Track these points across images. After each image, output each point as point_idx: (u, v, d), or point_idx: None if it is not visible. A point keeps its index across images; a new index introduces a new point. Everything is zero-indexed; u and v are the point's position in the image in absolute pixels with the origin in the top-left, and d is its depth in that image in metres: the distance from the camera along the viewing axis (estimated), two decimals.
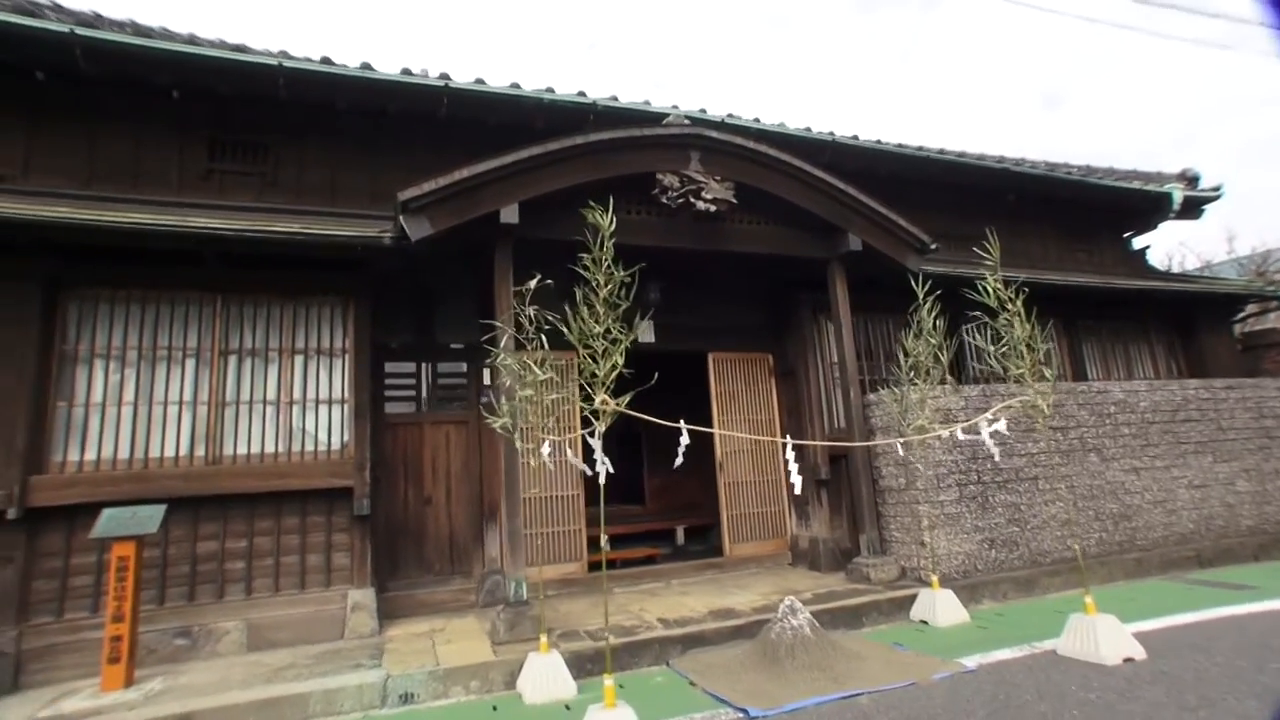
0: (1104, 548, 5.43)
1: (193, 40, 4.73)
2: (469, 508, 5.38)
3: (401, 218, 4.30)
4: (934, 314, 4.82)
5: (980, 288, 4.04)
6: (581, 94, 5.63)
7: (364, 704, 3.56)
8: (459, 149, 5.75)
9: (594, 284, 3.26)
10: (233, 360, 4.69)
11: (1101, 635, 3.46)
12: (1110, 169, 8.79)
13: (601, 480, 3.42)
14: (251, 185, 5.29)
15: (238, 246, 4.31)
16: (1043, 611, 4.53)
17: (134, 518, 3.90)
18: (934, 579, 4.60)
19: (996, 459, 4.61)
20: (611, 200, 3.43)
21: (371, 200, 5.50)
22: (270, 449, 4.65)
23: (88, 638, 4.06)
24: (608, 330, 3.18)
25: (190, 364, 4.60)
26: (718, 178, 5.14)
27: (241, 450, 4.59)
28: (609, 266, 3.26)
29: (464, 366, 5.56)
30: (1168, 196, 8.00)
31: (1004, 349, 3.87)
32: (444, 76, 5.25)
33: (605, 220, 3.29)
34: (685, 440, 3.89)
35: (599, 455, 3.33)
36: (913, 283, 4.89)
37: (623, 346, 3.18)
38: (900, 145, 7.34)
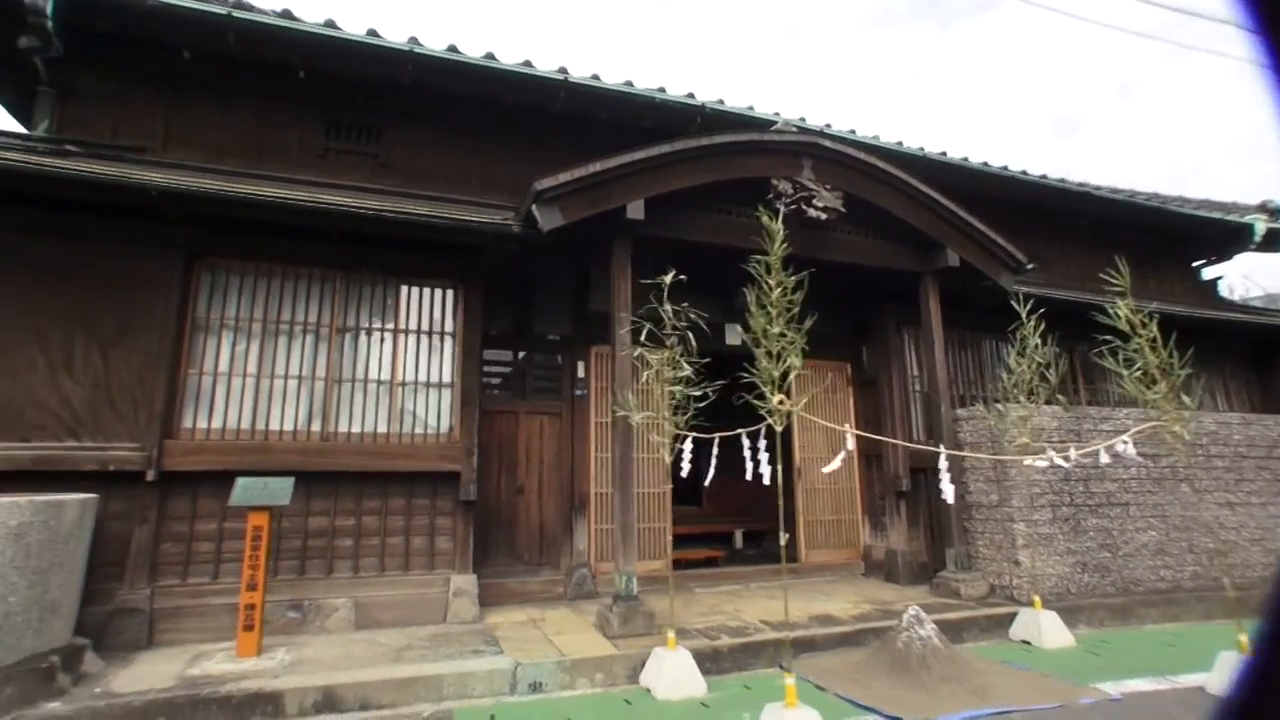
0: (1199, 583, 5.45)
1: (330, 24, 4.83)
2: (559, 499, 5.46)
3: (534, 206, 4.39)
4: (1037, 332, 4.87)
5: (1108, 311, 4.09)
6: (690, 95, 5.72)
7: (494, 690, 3.64)
8: (565, 144, 5.86)
9: (765, 287, 3.34)
10: (348, 338, 4.79)
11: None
12: (1181, 198, 8.82)
13: (765, 480, 3.50)
14: (364, 166, 5.40)
15: (369, 225, 4.41)
16: (1149, 643, 4.57)
17: (265, 489, 4.00)
18: (1036, 599, 4.64)
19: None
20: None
21: (480, 187, 5.61)
22: (381, 429, 4.75)
23: (210, 603, 4.18)
24: (782, 332, 3.25)
25: (309, 339, 4.71)
26: (828, 186, 5.21)
27: (355, 429, 4.69)
28: (779, 271, 3.34)
29: (558, 359, 5.65)
30: (1249, 228, 8.04)
31: (1136, 372, 3.92)
32: (562, 70, 5.34)
33: (776, 226, 3.37)
34: (850, 445, 3.96)
35: (763, 456, 3.40)
36: (1013, 302, 4.94)
37: (798, 347, 3.25)
38: (985, 164, 7.40)
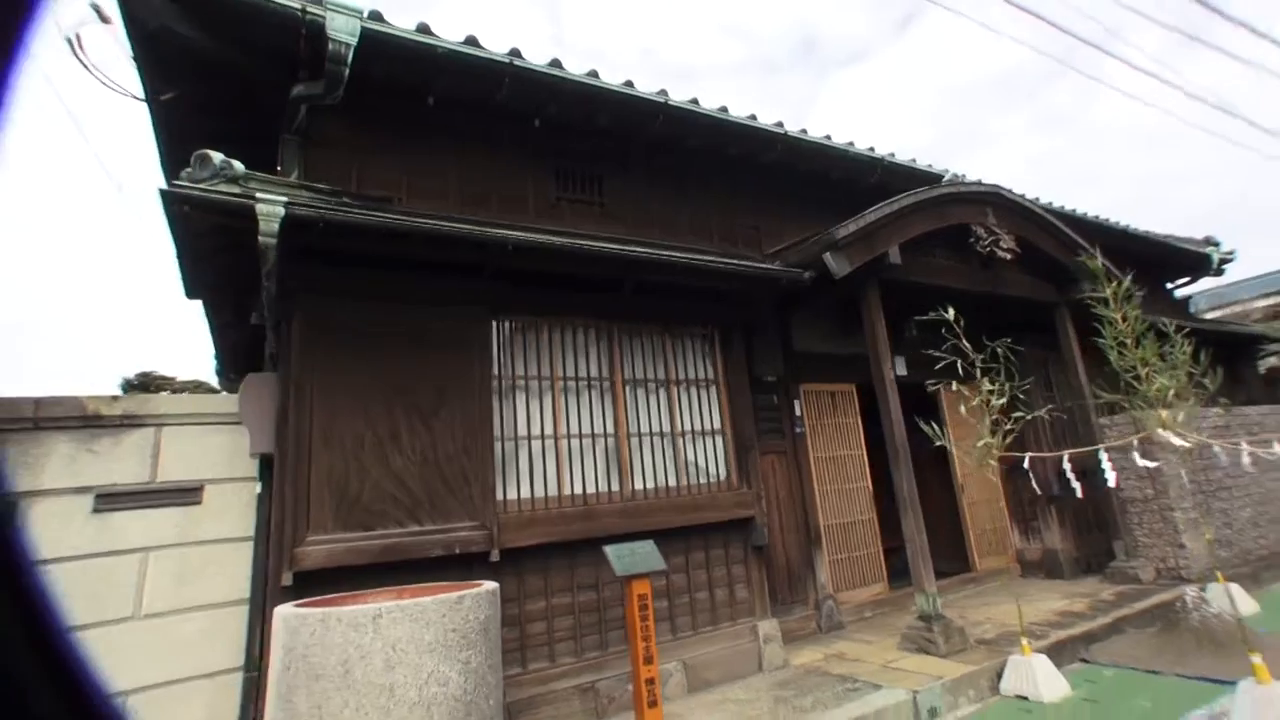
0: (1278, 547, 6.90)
1: (593, 74, 4.91)
2: (798, 535, 5.73)
3: (829, 254, 4.77)
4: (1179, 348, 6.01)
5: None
6: (871, 149, 6.39)
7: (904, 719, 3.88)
8: (765, 192, 6.30)
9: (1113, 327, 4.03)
10: (628, 390, 4.81)
11: None
12: (1149, 232, 10.96)
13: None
14: (592, 214, 5.42)
15: (678, 274, 4.54)
16: None
17: (635, 555, 3.95)
18: (1219, 574, 5.67)
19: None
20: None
21: (690, 235, 5.82)
22: (671, 482, 4.79)
23: (556, 689, 4.01)
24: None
25: (595, 394, 4.67)
26: (1005, 231, 6.10)
27: (649, 484, 4.70)
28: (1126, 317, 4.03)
29: (774, 399, 5.96)
30: (1209, 257, 10.22)
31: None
32: (779, 124, 5.78)
33: (1122, 282, 4.08)
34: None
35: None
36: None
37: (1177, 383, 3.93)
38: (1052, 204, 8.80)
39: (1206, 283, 11.96)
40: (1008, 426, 4.53)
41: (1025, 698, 4.11)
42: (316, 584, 3.36)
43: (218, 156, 3.21)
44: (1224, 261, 10.62)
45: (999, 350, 4.50)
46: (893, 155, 6.57)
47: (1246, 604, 5.47)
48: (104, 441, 3.61)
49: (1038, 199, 7.77)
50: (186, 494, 3.74)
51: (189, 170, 3.18)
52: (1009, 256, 6.02)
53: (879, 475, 6.51)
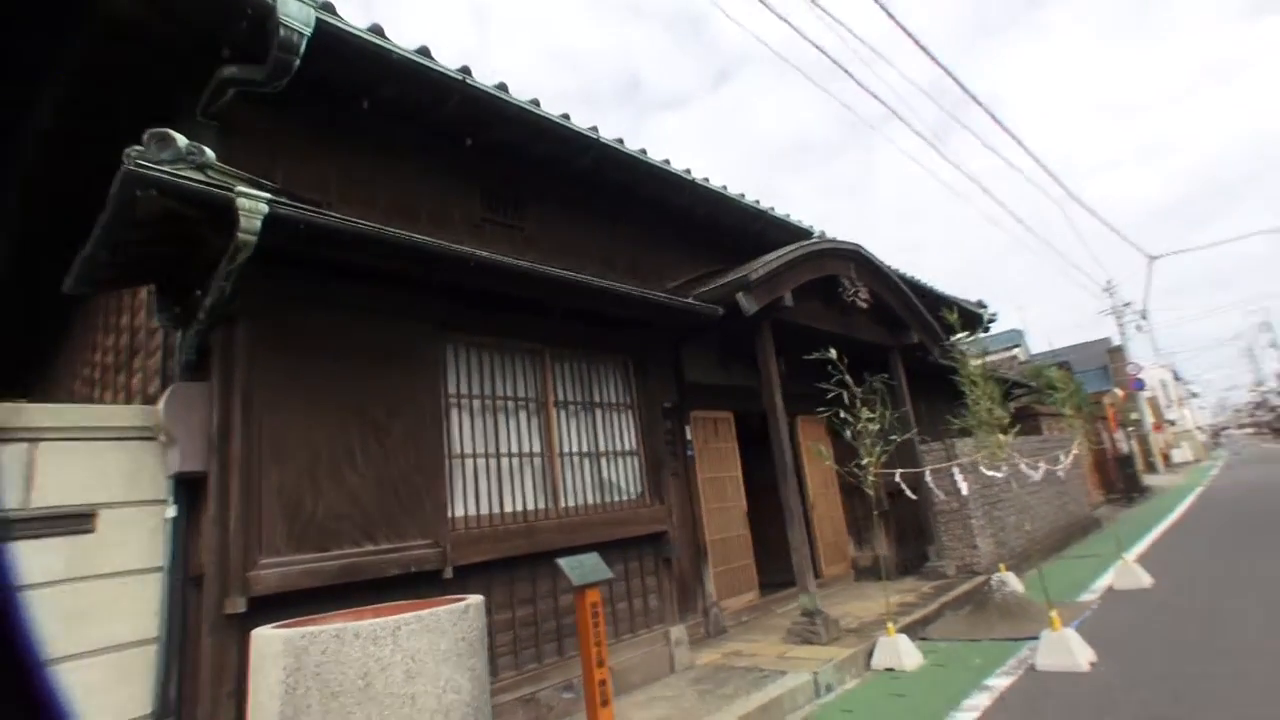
0: (1029, 542, 9.07)
1: (534, 103, 5.19)
2: (690, 550, 6.36)
3: (741, 294, 5.56)
4: (980, 388, 7.82)
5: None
6: (757, 201, 7.41)
7: (810, 698, 4.65)
8: (670, 232, 7.00)
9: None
10: (556, 412, 5.11)
11: (1128, 571, 6.62)
12: (947, 293, 13.70)
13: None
14: (514, 238, 5.63)
15: (607, 303, 5.00)
16: (1057, 572, 7.70)
17: (583, 566, 4.24)
18: (1002, 566, 7.39)
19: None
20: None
21: (600, 266, 6.27)
22: (594, 499, 5.16)
23: (499, 702, 4.13)
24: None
25: (529, 415, 4.91)
26: (862, 284, 7.46)
27: (577, 501, 5.02)
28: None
29: (669, 424, 6.58)
30: (982, 316, 13.09)
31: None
32: (688, 170, 6.51)
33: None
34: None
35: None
36: (959, 369, 7.85)
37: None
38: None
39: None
40: (880, 448, 5.59)
41: (893, 669, 5.11)
42: (266, 610, 3.20)
43: (181, 139, 3.03)
44: (990, 320, 13.66)
45: (876, 385, 5.57)
46: (773, 209, 7.69)
47: (1018, 586, 7.21)
48: None
49: (884, 262, 9.48)
50: (74, 521, 3.31)
51: (139, 149, 2.94)
52: (865, 306, 7.37)
53: (750, 494, 7.46)
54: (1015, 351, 30.84)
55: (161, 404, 3.41)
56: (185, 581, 3.48)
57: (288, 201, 3.20)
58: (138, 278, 3.83)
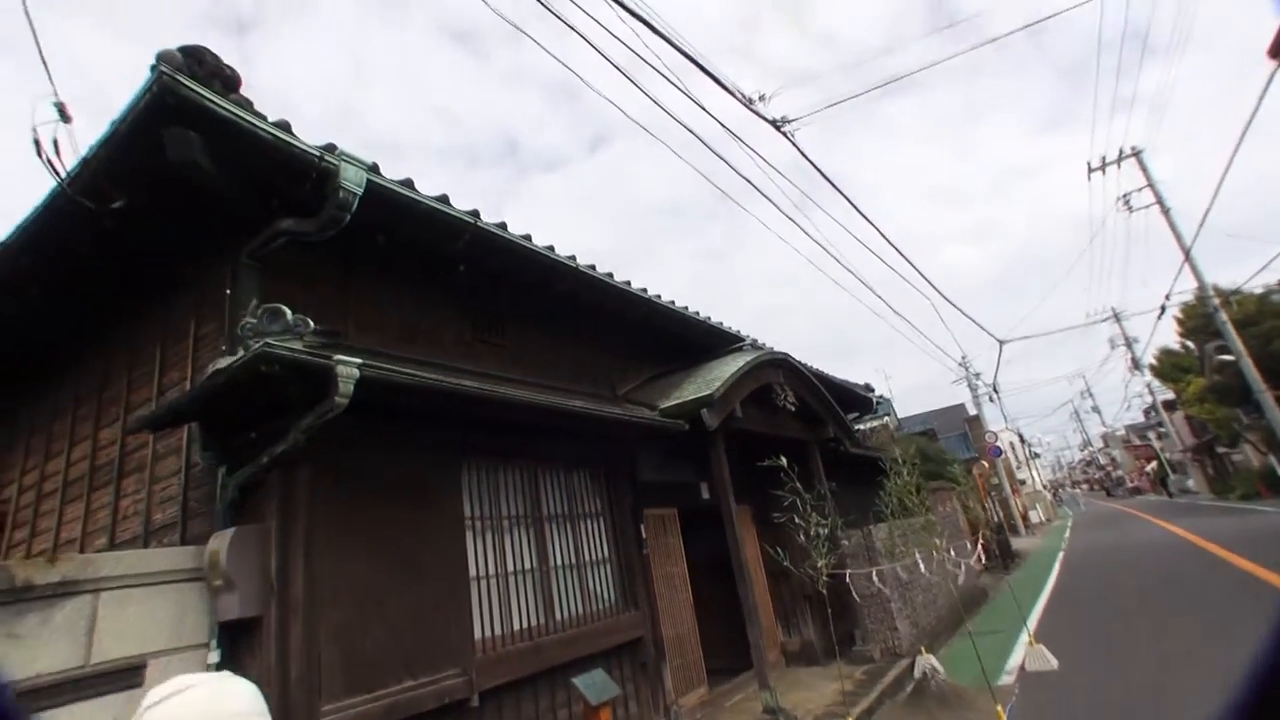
0: (937, 619, 10.46)
1: (527, 238, 5.89)
2: (651, 649, 6.93)
3: (704, 410, 6.46)
4: (903, 478, 9.19)
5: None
6: (697, 313, 8.46)
7: None
8: (625, 340, 7.82)
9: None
10: (547, 525, 5.65)
11: (1036, 653, 8.02)
12: (846, 380, 15.50)
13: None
14: (501, 356, 6.21)
15: (610, 427, 5.70)
16: (963, 657, 9.00)
17: (594, 684, 4.78)
18: (923, 648, 8.58)
19: (961, 580, 9.10)
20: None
21: (570, 375, 6.97)
22: (579, 610, 5.69)
23: None
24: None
25: (524, 531, 5.42)
26: (789, 389, 8.67)
27: (568, 613, 5.54)
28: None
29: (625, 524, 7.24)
30: (870, 399, 14.97)
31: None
32: (644, 289, 7.43)
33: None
34: (978, 551, 7.11)
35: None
36: (882, 461, 9.23)
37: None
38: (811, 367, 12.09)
39: None
40: (830, 548, 6.58)
41: None
42: None
43: (288, 312, 3.47)
44: (878, 403, 15.61)
45: (827, 490, 6.60)
46: (710, 318, 8.79)
47: (941, 670, 8.40)
48: (30, 621, 3.22)
49: (804, 364, 10.85)
50: (127, 675, 3.45)
51: (253, 322, 3.38)
52: (792, 408, 8.56)
53: (694, 588, 8.21)
54: (886, 420, 34.46)
55: (223, 548, 3.64)
56: None
57: (371, 364, 3.69)
58: (189, 419, 4.05)
